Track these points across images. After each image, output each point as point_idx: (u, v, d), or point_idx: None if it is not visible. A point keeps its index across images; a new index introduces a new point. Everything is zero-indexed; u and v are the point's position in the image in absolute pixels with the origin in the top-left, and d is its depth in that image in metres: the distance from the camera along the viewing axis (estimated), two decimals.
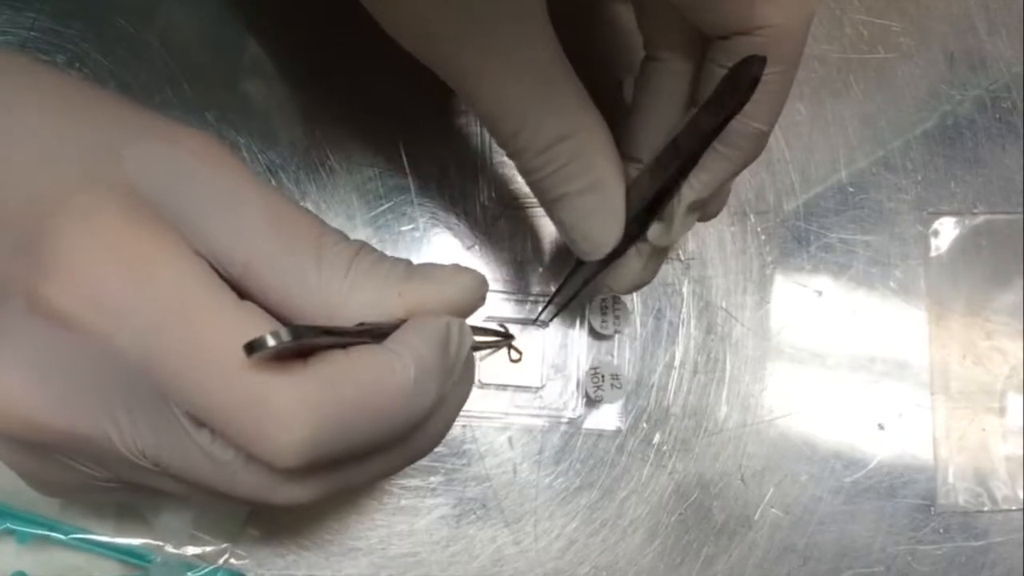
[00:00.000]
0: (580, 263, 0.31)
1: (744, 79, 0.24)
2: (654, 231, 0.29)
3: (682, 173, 0.27)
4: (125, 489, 0.25)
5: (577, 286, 0.32)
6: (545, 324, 0.35)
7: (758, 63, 0.24)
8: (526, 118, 0.27)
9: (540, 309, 0.35)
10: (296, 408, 0.20)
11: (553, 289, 0.35)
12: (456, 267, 0.25)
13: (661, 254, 0.30)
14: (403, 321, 0.24)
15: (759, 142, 0.27)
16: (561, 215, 0.28)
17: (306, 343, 0.21)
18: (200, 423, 0.21)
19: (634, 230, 0.29)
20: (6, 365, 0.22)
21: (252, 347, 0.20)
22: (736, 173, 0.28)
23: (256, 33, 0.35)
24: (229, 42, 0.35)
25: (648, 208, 0.28)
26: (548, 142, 0.27)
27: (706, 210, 0.29)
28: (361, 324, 0.23)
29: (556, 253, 0.36)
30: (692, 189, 0.27)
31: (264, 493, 0.22)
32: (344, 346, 0.22)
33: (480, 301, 0.25)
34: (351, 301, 0.23)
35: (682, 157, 0.26)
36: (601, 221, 0.28)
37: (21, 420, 0.22)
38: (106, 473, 0.24)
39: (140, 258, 0.21)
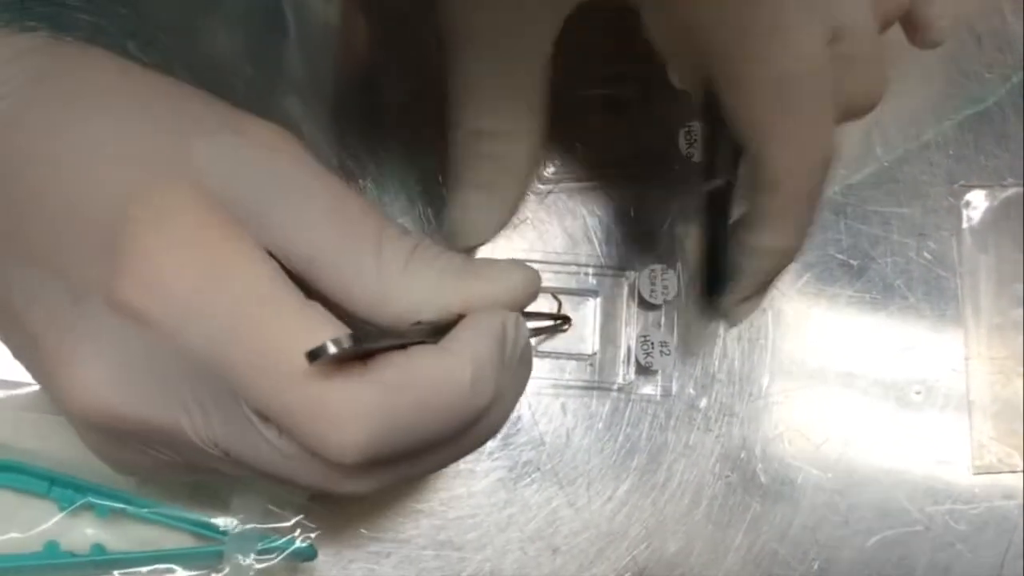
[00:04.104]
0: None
1: None
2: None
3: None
4: (197, 471, 0.26)
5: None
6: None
7: None
8: (478, 105, 0.29)
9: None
10: (354, 414, 0.21)
11: (602, 260, 0.37)
12: (511, 263, 0.26)
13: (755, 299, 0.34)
14: (459, 317, 0.24)
15: (780, 257, 0.31)
16: (453, 196, 0.31)
17: (367, 348, 0.22)
18: (265, 417, 0.22)
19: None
20: (88, 360, 0.23)
21: (314, 355, 0.20)
22: (769, 279, 0.32)
23: (294, 49, 0.36)
24: (267, 58, 0.36)
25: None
26: (478, 128, 0.30)
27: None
28: (418, 323, 0.24)
29: (605, 224, 0.37)
30: (734, 296, 0.33)
31: (327, 484, 0.23)
32: (403, 345, 0.23)
33: (533, 296, 0.26)
34: (408, 294, 0.24)
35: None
36: (476, 218, 0.30)
37: (101, 411, 0.23)
38: (179, 459, 0.25)
39: (212, 259, 0.22)
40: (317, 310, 0.22)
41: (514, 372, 0.25)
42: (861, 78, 0.29)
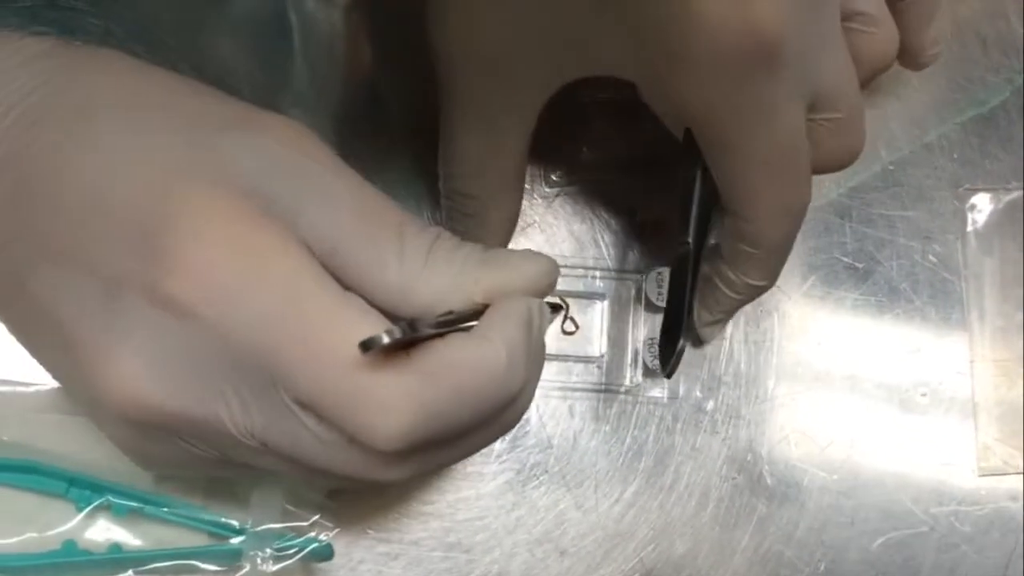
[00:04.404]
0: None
1: None
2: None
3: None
4: (225, 465, 0.26)
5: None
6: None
7: None
8: (464, 168, 0.32)
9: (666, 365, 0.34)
10: (399, 401, 0.22)
11: (610, 263, 0.37)
12: (530, 252, 0.26)
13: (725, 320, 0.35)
14: (484, 306, 0.25)
15: (756, 291, 0.33)
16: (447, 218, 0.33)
17: (415, 337, 0.22)
18: (306, 406, 0.23)
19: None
20: (127, 353, 0.23)
21: (367, 345, 0.21)
22: (742, 306, 0.34)
23: (299, 62, 0.36)
24: (273, 69, 0.36)
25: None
26: (463, 190, 0.32)
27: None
28: (450, 312, 0.24)
29: (611, 228, 0.37)
30: (707, 318, 0.34)
31: (364, 472, 0.24)
32: (441, 335, 0.23)
33: (552, 285, 0.27)
34: (430, 286, 0.24)
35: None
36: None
37: (140, 404, 0.23)
38: (212, 452, 0.25)
39: (253, 250, 0.22)
40: (357, 300, 0.23)
41: (536, 357, 0.26)
42: (841, 137, 0.30)
